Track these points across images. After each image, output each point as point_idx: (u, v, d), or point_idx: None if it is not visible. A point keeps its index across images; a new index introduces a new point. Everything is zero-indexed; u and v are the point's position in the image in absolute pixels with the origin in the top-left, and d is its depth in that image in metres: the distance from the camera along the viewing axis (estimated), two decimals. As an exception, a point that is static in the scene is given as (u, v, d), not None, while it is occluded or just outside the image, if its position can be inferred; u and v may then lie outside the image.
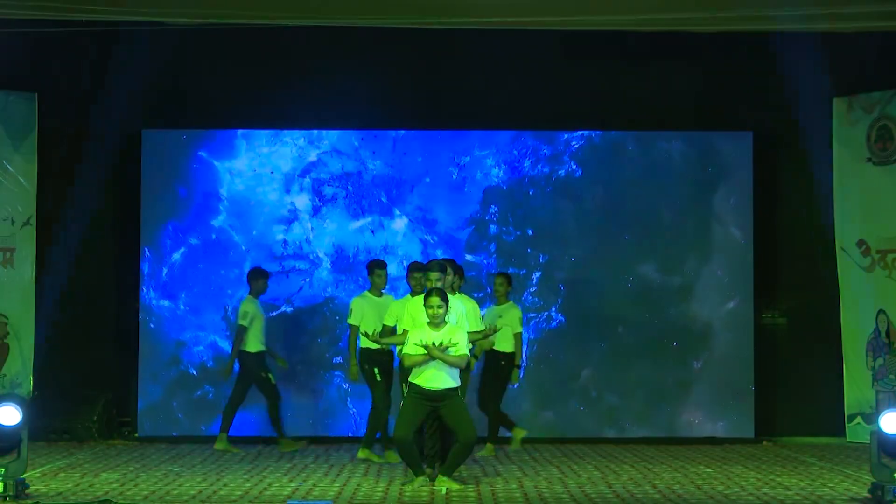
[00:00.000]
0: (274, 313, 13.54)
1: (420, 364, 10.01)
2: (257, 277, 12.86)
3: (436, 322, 10.04)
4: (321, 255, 13.72)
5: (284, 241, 13.70)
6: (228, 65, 13.63)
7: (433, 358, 9.94)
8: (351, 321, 11.99)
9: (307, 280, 13.69)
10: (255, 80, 13.73)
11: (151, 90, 13.67)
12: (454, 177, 13.76)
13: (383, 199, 13.71)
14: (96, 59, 13.49)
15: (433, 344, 9.93)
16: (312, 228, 13.71)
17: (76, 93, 13.57)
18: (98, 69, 13.56)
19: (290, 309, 13.69)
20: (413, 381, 10.07)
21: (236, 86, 13.73)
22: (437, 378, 9.97)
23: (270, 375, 12.77)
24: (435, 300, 10.04)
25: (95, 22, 11.28)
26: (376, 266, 12.18)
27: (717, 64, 13.70)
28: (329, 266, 13.72)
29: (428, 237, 13.74)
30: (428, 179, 13.76)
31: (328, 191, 13.75)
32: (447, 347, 9.94)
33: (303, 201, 13.73)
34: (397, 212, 13.71)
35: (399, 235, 13.72)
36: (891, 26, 10.94)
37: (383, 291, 12.14)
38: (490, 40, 13.26)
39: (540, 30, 12.45)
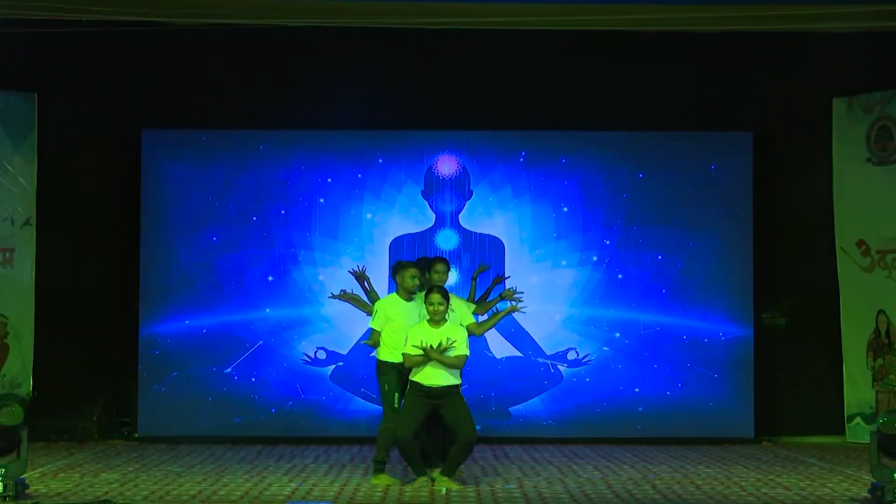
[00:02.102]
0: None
1: (419, 365, 10.01)
2: (398, 270, 10.60)
3: (436, 320, 10.03)
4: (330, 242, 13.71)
5: (291, 240, 13.71)
6: (228, 65, 13.62)
7: (431, 359, 9.96)
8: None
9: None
10: (255, 81, 13.72)
11: (151, 90, 13.68)
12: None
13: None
14: (96, 59, 13.48)
15: (430, 346, 9.92)
16: (318, 222, 13.70)
17: (76, 93, 13.56)
18: (98, 69, 13.56)
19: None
20: (413, 379, 10.07)
21: (236, 86, 13.72)
22: (437, 375, 9.97)
23: (396, 395, 10.34)
24: (436, 297, 10.03)
25: (95, 22, 11.25)
26: None
27: (716, 64, 13.68)
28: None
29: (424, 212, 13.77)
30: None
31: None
32: (446, 348, 9.95)
33: (303, 194, 13.72)
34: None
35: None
36: (891, 26, 10.92)
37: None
38: (489, 40, 13.24)
39: (540, 30, 12.43)
